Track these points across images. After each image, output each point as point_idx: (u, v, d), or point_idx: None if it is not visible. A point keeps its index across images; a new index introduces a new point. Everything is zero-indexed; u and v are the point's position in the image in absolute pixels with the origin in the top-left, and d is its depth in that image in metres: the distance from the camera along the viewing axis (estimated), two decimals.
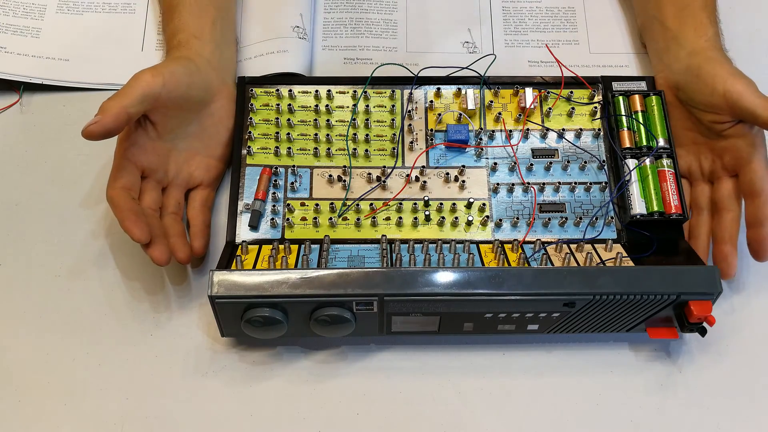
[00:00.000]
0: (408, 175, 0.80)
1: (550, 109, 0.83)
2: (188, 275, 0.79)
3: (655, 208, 0.77)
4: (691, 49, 0.81)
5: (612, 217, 0.79)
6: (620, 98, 0.82)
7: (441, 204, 0.79)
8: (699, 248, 0.79)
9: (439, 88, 0.84)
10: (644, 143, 0.80)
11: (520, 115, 0.83)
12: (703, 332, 0.71)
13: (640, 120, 0.81)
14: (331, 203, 0.78)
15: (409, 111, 0.83)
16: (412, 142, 0.82)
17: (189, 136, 0.80)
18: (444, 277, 0.67)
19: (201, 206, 0.80)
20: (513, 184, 0.80)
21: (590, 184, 0.80)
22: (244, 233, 0.77)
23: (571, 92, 0.84)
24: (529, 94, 0.82)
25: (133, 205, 0.72)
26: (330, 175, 0.80)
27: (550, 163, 0.81)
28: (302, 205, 0.78)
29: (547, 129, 0.82)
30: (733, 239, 0.78)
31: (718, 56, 0.80)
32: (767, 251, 0.75)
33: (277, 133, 0.82)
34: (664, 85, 0.84)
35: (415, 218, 0.78)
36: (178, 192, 0.80)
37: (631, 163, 0.79)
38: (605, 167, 0.81)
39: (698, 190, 0.82)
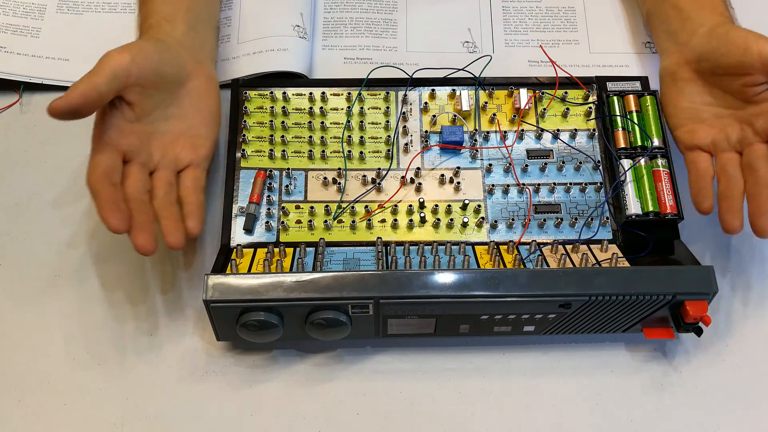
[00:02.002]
0: (403, 177, 0.80)
1: (544, 109, 0.83)
2: (186, 277, 0.80)
3: (651, 209, 0.77)
4: (711, 24, 0.80)
5: (607, 218, 0.79)
6: (615, 98, 0.82)
7: (436, 206, 0.79)
8: (733, 208, 0.74)
9: (433, 90, 0.84)
10: (639, 143, 0.80)
11: (514, 116, 0.83)
12: (699, 332, 0.71)
13: (635, 120, 0.80)
14: (326, 206, 0.78)
15: (404, 113, 0.83)
16: (407, 144, 0.82)
17: (170, 118, 0.77)
18: (440, 280, 0.67)
19: (193, 186, 0.77)
20: (508, 185, 0.80)
21: (585, 184, 0.80)
22: (239, 237, 0.77)
23: (566, 93, 0.84)
24: (524, 94, 0.82)
25: (112, 193, 0.68)
26: (325, 178, 0.80)
27: (545, 163, 0.81)
28: (297, 207, 0.79)
29: (542, 130, 0.82)
30: None
31: (740, 26, 0.79)
32: None
33: (272, 135, 0.82)
34: (680, 64, 0.81)
35: (411, 220, 0.78)
36: (167, 173, 0.76)
37: (626, 163, 0.79)
38: (600, 168, 0.81)
39: (726, 158, 0.77)
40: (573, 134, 0.82)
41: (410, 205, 0.79)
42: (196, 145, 0.78)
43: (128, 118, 0.73)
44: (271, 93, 0.83)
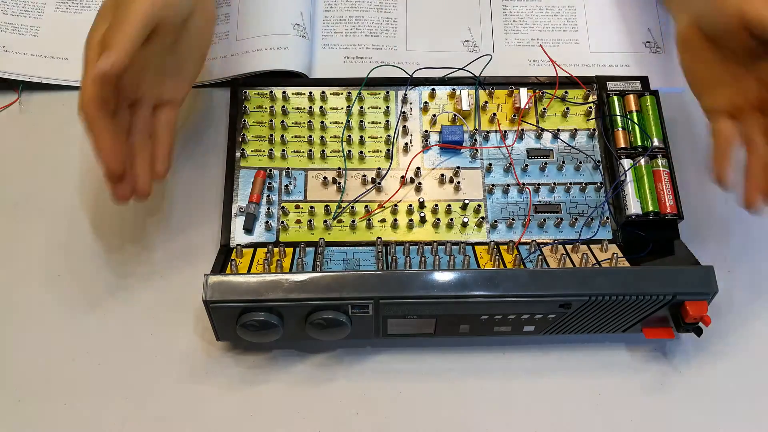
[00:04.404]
0: (403, 177, 0.80)
1: (545, 109, 0.83)
2: (186, 277, 0.79)
3: (651, 208, 0.77)
4: None
5: (607, 218, 0.79)
6: (615, 98, 0.82)
7: (436, 206, 0.79)
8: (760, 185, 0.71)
9: (433, 89, 0.84)
10: (639, 143, 0.80)
11: (514, 115, 0.83)
12: (699, 332, 0.71)
13: (635, 120, 0.80)
14: (326, 206, 0.78)
15: (404, 112, 0.83)
16: (406, 144, 0.82)
17: (165, 53, 0.73)
18: (440, 279, 0.67)
19: (167, 126, 0.75)
20: (508, 185, 0.80)
21: (585, 184, 0.80)
22: (238, 236, 0.77)
23: (566, 92, 0.84)
24: (524, 94, 0.82)
25: (111, 126, 0.67)
26: (324, 177, 0.80)
27: (545, 163, 0.81)
28: (297, 207, 0.79)
29: (542, 129, 0.82)
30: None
31: None
32: None
33: (271, 135, 0.82)
34: (688, 28, 0.76)
35: (411, 220, 0.78)
36: (147, 110, 0.73)
37: (626, 163, 0.79)
38: (600, 167, 0.81)
39: (750, 123, 0.73)
40: (573, 134, 0.82)
41: (410, 205, 0.79)
42: (179, 85, 0.76)
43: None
44: (271, 92, 0.83)
